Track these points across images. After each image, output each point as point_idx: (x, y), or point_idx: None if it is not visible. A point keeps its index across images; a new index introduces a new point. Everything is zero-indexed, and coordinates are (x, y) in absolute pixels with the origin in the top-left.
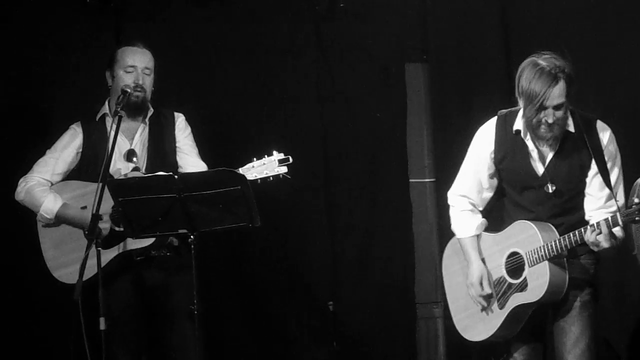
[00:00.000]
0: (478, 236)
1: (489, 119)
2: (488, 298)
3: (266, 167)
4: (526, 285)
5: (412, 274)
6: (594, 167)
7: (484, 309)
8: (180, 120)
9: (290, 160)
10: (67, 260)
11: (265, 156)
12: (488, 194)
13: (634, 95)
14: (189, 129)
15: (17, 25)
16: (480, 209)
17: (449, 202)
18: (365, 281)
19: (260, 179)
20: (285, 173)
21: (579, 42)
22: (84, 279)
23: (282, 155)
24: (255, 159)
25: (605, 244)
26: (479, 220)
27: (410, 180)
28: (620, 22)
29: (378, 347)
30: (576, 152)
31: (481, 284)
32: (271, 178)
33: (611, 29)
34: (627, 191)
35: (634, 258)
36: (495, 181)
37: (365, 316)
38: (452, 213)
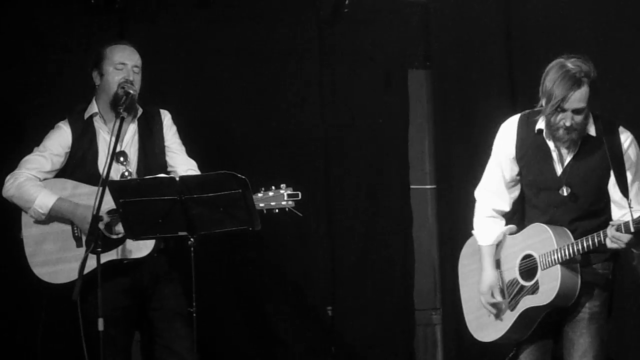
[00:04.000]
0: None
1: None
2: (498, 306)
3: (274, 198)
4: (537, 289)
5: (411, 281)
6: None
7: (494, 315)
8: (167, 118)
9: (300, 196)
10: (50, 259)
11: (273, 188)
12: (516, 192)
13: (636, 104)
14: (175, 127)
15: (19, 24)
16: (508, 209)
17: (478, 201)
18: (364, 287)
19: (267, 209)
20: (293, 208)
21: (583, 51)
22: (70, 280)
23: (290, 190)
24: (263, 189)
25: (622, 243)
26: (500, 228)
27: (411, 186)
28: (624, 31)
29: (376, 353)
30: (595, 156)
31: (492, 293)
32: (277, 210)
33: (615, 37)
34: None
35: (634, 269)
36: (518, 178)
37: (364, 322)
38: (476, 217)
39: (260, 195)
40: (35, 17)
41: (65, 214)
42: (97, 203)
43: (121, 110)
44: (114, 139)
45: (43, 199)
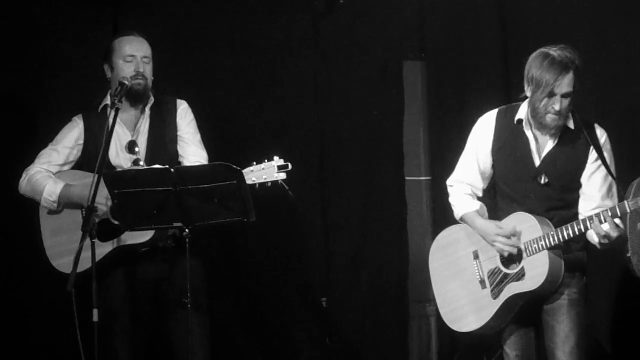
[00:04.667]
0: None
1: None
2: (516, 241)
3: (265, 172)
4: (523, 275)
5: (406, 272)
6: (590, 167)
7: (480, 296)
8: (182, 107)
9: (290, 167)
10: (66, 249)
11: (265, 160)
12: (486, 183)
13: (631, 97)
14: (191, 116)
15: (12, 16)
16: (480, 195)
17: (449, 187)
18: (359, 278)
19: (259, 183)
20: (283, 180)
21: (577, 42)
22: (82, 270)
23: (282, 162)
24: (254, 162)
25: (613, 233)
26: (479, 203)
27: (406, 178)
28: (619, 24)
29: (371, 344)
30: (573, 147)
31: (499, 234)
32: (269, 184)
33: (609, 30)
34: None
35: (627, 260)
36: (491, 172)
37: (358, 313)
38: (453, 196)
39: (251, 169)
40: (29, 9)
41: (74, 197)
42: (91, 193)
43: (115, 101)
44: (120, 129)
45: (50, 187)
